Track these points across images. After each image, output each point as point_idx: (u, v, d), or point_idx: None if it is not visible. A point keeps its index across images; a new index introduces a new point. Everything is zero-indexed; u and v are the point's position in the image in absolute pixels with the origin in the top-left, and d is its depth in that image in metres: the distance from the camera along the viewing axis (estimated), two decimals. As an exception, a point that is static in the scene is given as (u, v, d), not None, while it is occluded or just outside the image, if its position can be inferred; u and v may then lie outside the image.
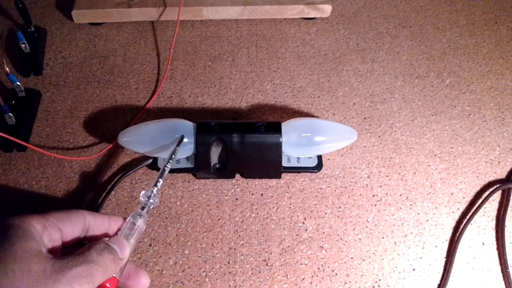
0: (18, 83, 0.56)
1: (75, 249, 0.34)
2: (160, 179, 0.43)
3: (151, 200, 0.41)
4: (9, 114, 0.53)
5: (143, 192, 0.41)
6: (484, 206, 0.51)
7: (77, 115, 0.59)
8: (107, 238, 0.36)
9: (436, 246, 0.49)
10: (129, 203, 0.51)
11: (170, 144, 0.50)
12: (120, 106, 0.60)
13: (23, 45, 0.62)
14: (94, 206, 0.50)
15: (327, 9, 0.69)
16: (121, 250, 0.35)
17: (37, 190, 0.52)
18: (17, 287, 0.29)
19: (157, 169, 0.53)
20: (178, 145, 0.48)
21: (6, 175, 0.53)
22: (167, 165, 0.45)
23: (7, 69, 0.54)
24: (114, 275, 0.35)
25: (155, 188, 0.42)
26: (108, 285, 0.34)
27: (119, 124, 0.58)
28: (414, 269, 0.47)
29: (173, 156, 0.46)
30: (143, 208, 0.40)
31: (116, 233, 0.38)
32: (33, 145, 0.55)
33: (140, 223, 0.38)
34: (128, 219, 0.39)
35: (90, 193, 0.52)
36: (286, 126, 0.51)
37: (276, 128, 0.50)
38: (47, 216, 0.34)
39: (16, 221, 0.33)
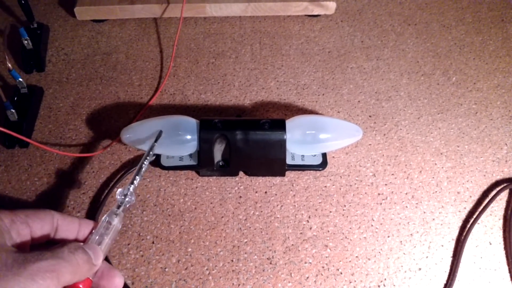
0: (20, 79, 0.56)
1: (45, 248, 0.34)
2: (137, 177, 0.42)
3: (127, 199, 0.40)
4: (11, 110, 0.53)
5: (119, 190, 0.40)
6: (491, 205, 0.50)
7: (80, 112, 0.58)
8: (81, 243, 0.35)
9: (442, 246, 0.48)
10: (132, 201, 0.50)
11: (173, 141, 0.49)
12: (123, 103, 0.60)
13: (26, 42, 0.61)
14: (97, 203, 0.50)
15: (331, 6, 0.68)
16: (95, 257, 0.34)
17: (39, 187, 0.51)
18: None
19: (160, 166, 0.52)
20: (156, 140, 0.46)
21: (8, 171, 0.52)
22: (145, 162, 0.43)
23: (9, 65, 0.53)
24: None
25: (132, 186, 0.41)
26: (81, 286, 0.33)
27: (122, 121, 0.57)
28: (420, 269, 0.46)
29: (151, 152, 0.45)
30: (119, 207, 0.39)
31: (88, 236, 0.37)
32: (36, 140, 0.55)
33: (116, 222, 0.38)
34: (103, 217, 0.38)
35: (92, 190, 0.51)
36: (290, 123, 0.50)
37: (280, 125, 0.49)
38: (15, 212, 0.34)
39: None
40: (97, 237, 0.36)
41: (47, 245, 0.35)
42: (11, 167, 0.53)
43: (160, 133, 0.48)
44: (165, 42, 0.67)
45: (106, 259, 0.45)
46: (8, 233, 0.32)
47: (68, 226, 0.37)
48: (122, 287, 0.37)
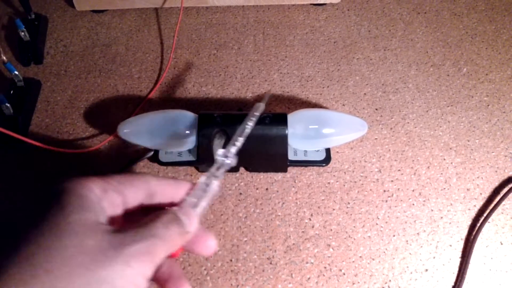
0: (16, 72, 0.54)
1: (140, 217, 0.31)
2: (240, 138, 0.38)
3: (228, 161, 0.36)
4: (6, 104, 0.51)
5: (220, 150, 0.36)
6: (503, 203, 0.48)
7: (78, 106, 0.57)
8: (175, 208, 0.32)
9: (450, 245, 0.46)
10: (129, 197, 0.49)
11: (171, 136, 0.48)
12: (122, 96, 0.58)
13: (22, 33, 0.60)
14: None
15: (337, -6, 0.66)
16: (189, 224, 0.31)
17: (35, 183, 0.50)
18: (67, 265, 0.26)
19: (158, 162, 0.51)
20: (264, 101, 0.42)
21: (4, 167, 0.51)
22: (248, 123, 0.39)
23: (4, 57, 0.52)
24: None
25: (234, 147, 0.37)
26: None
27: (120, 115, 0.56)
28: (426, 270, 0.44)
29: (257, 114, 0.40)
30: (218, 169, 0.35)
31: (183, 199, 0.34)
32: (32, 135, 0.54)
33: (215, 185, 0.34)
34: (201, 179, 0.35)
35: (89, 187, 0.50)
36: (292, 117, 0.48)
37: (281, 120, 0.47)
38: (108, 179, 0.31)
39: (73, 185, 0.29)
40: (193, 200, 0.33)
41: (140, 213, 0.33)
42: (7, 162, 0.52)
43: (268, 94, 0.43)
44: (166, 33, 0.66)
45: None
46: (100, 206, 0.29)
47: (165, 190, 0.33)
48: (215, 250, 0.34)
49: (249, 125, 0.39)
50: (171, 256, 0.31)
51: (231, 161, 0.36)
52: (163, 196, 0.33)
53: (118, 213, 0.31)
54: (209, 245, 0.33)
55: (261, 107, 0.41)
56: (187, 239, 0.31)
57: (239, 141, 0.37)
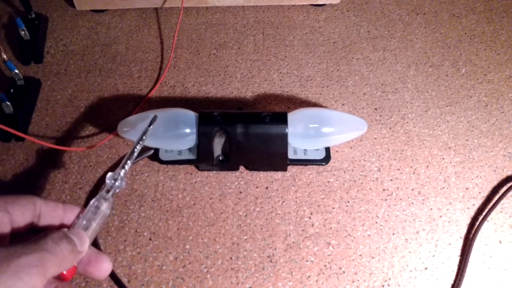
0: (16, 71, 0.54)
1: (28, 237, 0.31)
2: (129, 161, 0.39)
3: (117, 183, 0.37)
4: (6, 102, 0.51)
5: (109, 173, 0.38)
6: (502, 202, 0.48)
7: (78, 105, 0.57)
8: (66, 229, 0.33)
9: (450, 244, 0.46)
10: (129, 195, 0.49)
11: (172, 134, 0.48)
12: (122, 95, 0.58)
13: (23, 32, 0.60)
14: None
15: (337, -5, 0.66)
16: (80, 243, 0.32)
17: (35, 181, 0.50)
18: None
19: (158, 160, 0.51)
20: (150, 125, 0.43)
21: (4, 165, 0.51)
22: (137, 147, 0.40)
23: (4, 56, 0.52)
24: None
25: (123, 170, 0.38)
26: (64, 272, 0.31)
27: (120, 114, 0.56)
28: (426, 268, 0.45)
29: (144, 137, 0.42)
30: (108, 191, 0.37)
31: (74, 222, 0.35)
32: (32, 134, 0.54)
33: (105, 207, 0.36)
34: (91, 202, 0.35)
35: (89, 185, 0.50)
36: (292, 116, 0.48)
37: (281, 119, 0.48)
38: None
39: None
40: (84, 222, 0.34)
41: (29, 234, 0.33)
42: (7, 160, 0.52)
43: (154, 118, 0.45)
44: (166, 33, 0.66)
45: (95, 245, 0.44)
46: None
47: (52, 212, 0.34)
48: (109, 272, 0.35)
49: (137, 148, 0.40)
50: (63, 279, 0.31)
51: (120, 183, 0.37)
52: (52, 218, 0.34)
53: (5, 232, 0.31)
54: (103, 267, 0.34)
55: (147, 131, 0.42)
56: (78, 259, 0.32)
57: (128, 165, 0.39)
